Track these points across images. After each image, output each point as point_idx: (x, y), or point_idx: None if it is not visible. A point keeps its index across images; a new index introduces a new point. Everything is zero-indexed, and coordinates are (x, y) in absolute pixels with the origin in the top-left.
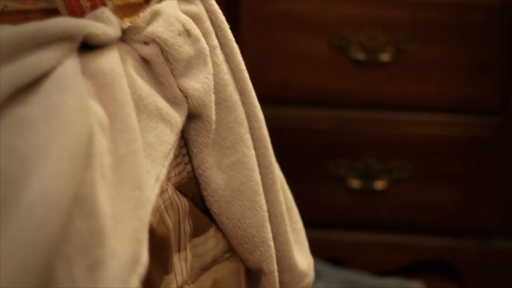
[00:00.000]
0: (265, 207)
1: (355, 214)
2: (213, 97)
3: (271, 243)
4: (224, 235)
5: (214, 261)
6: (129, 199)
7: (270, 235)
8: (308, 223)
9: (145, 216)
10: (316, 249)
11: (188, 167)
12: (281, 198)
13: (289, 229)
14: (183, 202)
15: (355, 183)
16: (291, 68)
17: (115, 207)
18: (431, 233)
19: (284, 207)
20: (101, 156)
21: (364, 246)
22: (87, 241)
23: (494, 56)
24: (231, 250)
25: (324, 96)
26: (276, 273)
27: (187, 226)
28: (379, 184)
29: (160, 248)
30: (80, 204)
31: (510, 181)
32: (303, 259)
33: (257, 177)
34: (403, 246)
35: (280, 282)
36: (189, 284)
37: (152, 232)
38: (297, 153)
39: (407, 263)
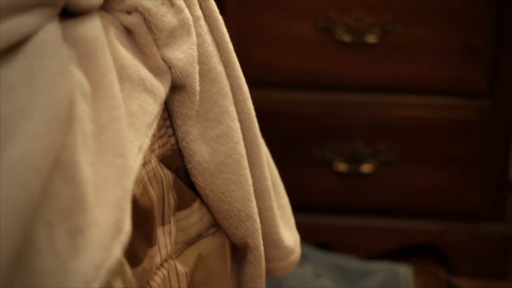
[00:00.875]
0: (250, 181)
1: (342, 198)
2: (197, 67)
3: (257, 218)
4: (209, 209)
5: (199, 236)
6: (112, 167)
7: (255, 210)
8: (295, 208)
9: (128, 184)
10: (303, 234)
11: (172, 140)
12: (267, 172)
13: (274, 204)
14: (167, 175)
15: (342, 166)
16: (276, 51)
17: (97, 175)
18: (419, 217)
19: (269, 182)
20: (83, 123)
21: (351, 231)
22: (68, 207)
23: (482, 37)
24: (216, 225)
25: (309, 78)
26: (262, 249)
27: (171, 199)
28: (366, 168)
29: (143, 219)
30: (61, 169)
31: (498, 164)
32: (289, 235)
33: (242, 150)
34: (390, 230)
35: (266, 259)
36: (173, 259)
37: (135, 203)
38: (283, 137)
39: (395, 247)
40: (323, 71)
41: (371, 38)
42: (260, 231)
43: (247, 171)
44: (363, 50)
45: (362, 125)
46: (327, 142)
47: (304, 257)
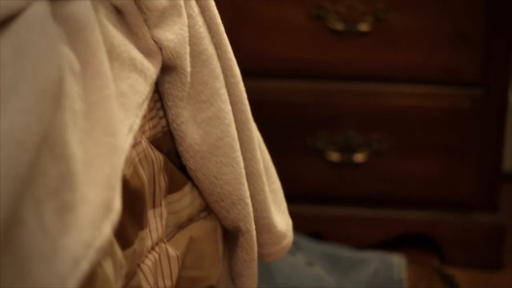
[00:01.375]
0: (242, 164)
1: (335, 188)
2: (188, 49)
3: (249, 201)
4: (200, 193)
5: (190, 220)
6: (102, 145)
7: (247, 193)
8: (287, 198)
9: (118, 162)
10: (295, 224)
11: (163, 122)
12: (259, 156)
13: (267, 188)
14: (157, 157)
15: (334, 156)
16: (267, 39)
17: (86, 153)
18: (412, 207)
19: (261, 166)
20: (72, 100)
21: (343, 221)
22: (56, 184)
23: (474, 26)
24: (207, 209)
25: (301, 67)
26: (254, 233)
27: (162, 182)
28: (359, 157)
29: (134, 201)
30: (50, 146)
31: (491, 153)
32: (281, 219)
33: (234, 132)
34: (383, 220)
35: (258, 244)
36: (164, 242)
37: (126, 184)
38: (275, 126)
39: (387, 237)
40: (315, 59)
41: (363, 27)
42: (252, 214)
43: (238, 153)
44: (355, 38)
45: (355, 114)
46: (319, 131)
47: (296, 246)
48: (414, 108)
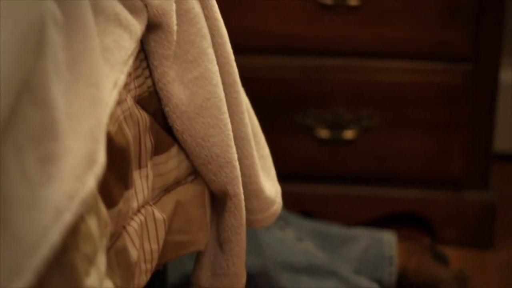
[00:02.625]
0: (229, 126)
1: (324, 166)
2: (173, 6)
3: (236, 164)
4: (187, 156)
5: (177, 183)
6: (85, 97)
7: (235, 156)
8: (276, 176)
9: (102, 115)
10: (284, 203)
11: (149, 82)
12: (247, 120)
13: (255, 153)
14: (143, 116)
15: (324, 133)
16: (256, 15)
17: (70, 105)
18: (402, 185)
19: (249, 130)
20: (54, 49)
21: (333, 199)
22: (38, 132)
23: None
24: (195, 173)
25: (290, 43)
26: (242, 197)
27: (148, 142)
28: (349, 134)
29: (119, 159)
30: (32, 92)
31: (482, 130)
32: (270, 185)
33: (221, 94)
34: (373, 198)
35: (247, 210)
36: (151, 205)
37: (111, 141)
38: (263, 103)
39: (378, 216)
40: (304, 35)
41: (353, 1)
42: (240, 178)
43: (226, 115)
44: (345, 13)
45: (344, 91)
46: (308, 108)
47: (286, 221)
48: (404, 84)
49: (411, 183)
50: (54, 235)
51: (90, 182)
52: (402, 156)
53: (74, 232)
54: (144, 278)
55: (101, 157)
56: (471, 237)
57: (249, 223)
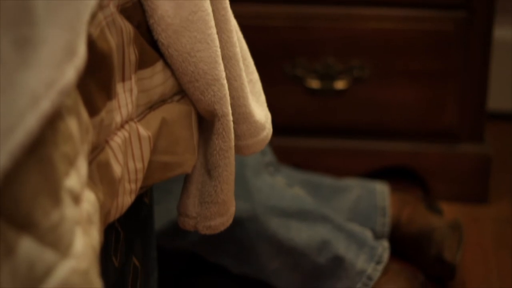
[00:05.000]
0: (217, 42)
1: (315, 119)
2: None
3: (225, 83)
4: (173, 74)
5: (163, 101)
6: None
7: (223, 74)
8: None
9: (83, 8)
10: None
11: None
12: (235, 39)
13: (244, 74)
14: (127, 26)
15: (314, 83)
16: None
17: None
18: (394, 138)
19: (238, 50)
20: None
21: (324, 153)
22: (14, 15)
23: None
24: (181, 93)
25: None
26: (230, 117)
27: (132, 55)
28: (339, 84)
29: (101, 65)
30: None
31: (476, 80)
32: (260, 110)
33: (208, 8)
34: (364, 152)
35: (236, 135)
36: (135, 122)
37: (92, 45)
38: (250, 53)
39: (369, 169)
40: None
41: None
42: (228, 98)
43: (213, 31)
44: None
45: (334, 40)
46: (297, 58)
47: (276, 168)
48: (395, 32)
49: (402, 135)
50: (30, 121)
51: (70, 73)
52: (394, 107)
53: (53, 130)
54: (128, 199)
55: (82, 50)
56: (465, 192)
57: (238, 149)
